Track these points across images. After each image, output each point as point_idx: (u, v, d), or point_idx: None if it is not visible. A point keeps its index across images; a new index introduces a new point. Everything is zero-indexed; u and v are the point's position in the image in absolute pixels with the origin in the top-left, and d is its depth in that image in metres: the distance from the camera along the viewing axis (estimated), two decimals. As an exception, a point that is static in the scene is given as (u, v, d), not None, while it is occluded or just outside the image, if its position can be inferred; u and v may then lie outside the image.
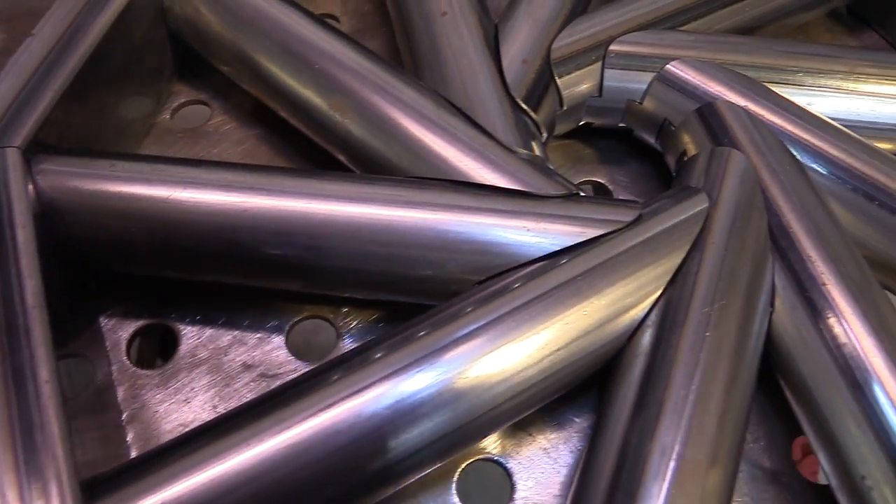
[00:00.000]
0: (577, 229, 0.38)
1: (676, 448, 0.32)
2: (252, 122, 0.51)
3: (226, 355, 0.42)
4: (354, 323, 0.43)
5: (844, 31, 0.59)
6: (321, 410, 0.32)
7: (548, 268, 0.37)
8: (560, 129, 0.48)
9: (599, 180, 0.50)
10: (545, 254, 0.38)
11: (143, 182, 0.39)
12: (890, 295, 0.40)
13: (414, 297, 0.41)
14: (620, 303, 0.37)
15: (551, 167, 0.43)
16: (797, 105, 0.45)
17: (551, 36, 0.46)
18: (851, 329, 0.36)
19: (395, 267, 0.39)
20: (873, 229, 0.42)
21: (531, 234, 0.38)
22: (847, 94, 0.46)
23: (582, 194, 0.42)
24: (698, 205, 0.40)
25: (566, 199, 0.40)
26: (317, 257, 0.39)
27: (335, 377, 0.33)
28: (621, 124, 0.48)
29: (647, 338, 0.37)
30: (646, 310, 0.37)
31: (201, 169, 0.40)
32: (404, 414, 0.32)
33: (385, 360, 0.34)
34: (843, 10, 0.61)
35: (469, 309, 0.36)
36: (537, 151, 0.43)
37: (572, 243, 0.38)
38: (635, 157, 0.50)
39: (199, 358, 0.42)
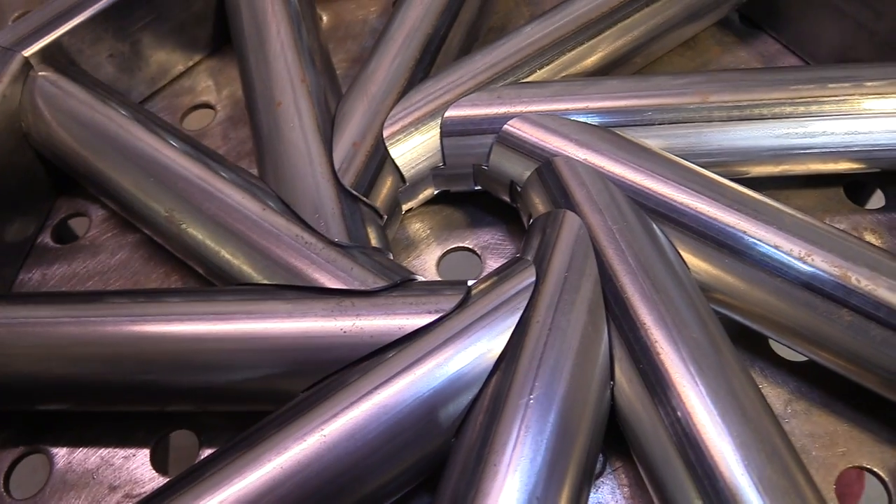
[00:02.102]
0: (397, 324, 0.37)
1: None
2: (128, 229, 0.52)
3: (94, 478, 0.43)
4: (215, 431, 0.43)
5: (736, 41, 0.56)
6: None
7: (363, 371, 0.36)
8: (413, 203, 0.47)
9: (468, 245, 0.48)
10: (365, 354, 0.37)
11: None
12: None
13: (256, 404, 0.40)
14: (439, 400, 0.35)
15: (387, 253, 0.42)
16: (646, 149, 0.42)
17: (386, 111, 0.45)
18: (684, 403, 0.34)
19: (226, 381, 0.39)
20: (728, 276, 0.39)
21: (349, 337, 0.37)
22: (701, 125, 0.43)
23: (419, 278, 0.40)
24: (524, 280, 0.38)
25: (388, 292, 0.38)
26: (144, 379, 0.39)
27: None
28: (477, 187, 0.47)
29: (470, 434, 0.35)
30: (467, 405, 0.35)
31: (30, 306, 0.40)
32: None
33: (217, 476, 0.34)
34: (734, 18, 0.57)
35: (283, 425, 0.35)
36: (373, 237, 0.42)
37: (391, 340, 0.37)
38: (505, 218, 0.49)
39: (70, 482, 0.43)
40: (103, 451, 0.44)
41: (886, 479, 0.38)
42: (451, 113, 0.44)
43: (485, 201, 0.49)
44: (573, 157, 0.42)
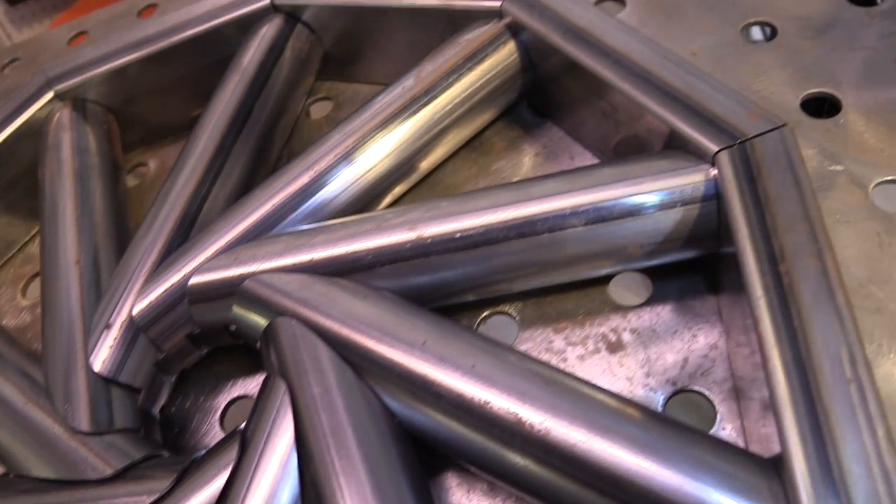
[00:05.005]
0: (116, 514, 0.40)
1: None
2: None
3: None
4: None
5: (521, 134, 0.56)
6: None
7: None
8: (184, 365, 0.49)
9: (251, 394, 0.50)
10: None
11: None
12: None
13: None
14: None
15: (138, 430, 0.45)
16: (367, 298, 0.43)
17: (140, 286, 0.47)
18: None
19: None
20: (429, 420, 0.39)
21: (75, 530, 0.40)
22: (420, 260, 0.44)
23: (164, 454, 0.43)
24: (228, 456, 0.40)
25: (115, 479, 0.41)
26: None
27: None
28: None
29: None
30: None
31: None
32: None
33: None
34: (524, 110, 0.57)
35: None
36: (125, 417, 0.45)
37: (110, 532, 0.39)
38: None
39: None
40: None
41: None
42: (196, 280, 0.47)
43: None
44: (296, 314, 0.43)
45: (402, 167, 0.52)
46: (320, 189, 0.49)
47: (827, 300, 0.35)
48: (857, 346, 0.34)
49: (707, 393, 0.43)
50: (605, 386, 0.44)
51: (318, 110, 0.64)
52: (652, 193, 0.42)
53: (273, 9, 0.59)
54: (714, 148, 0.41)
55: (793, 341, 0.34)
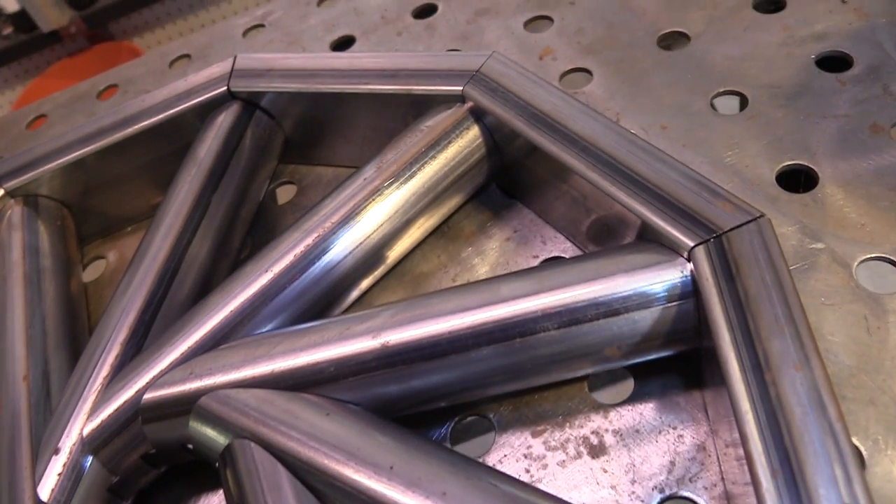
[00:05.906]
0: None
1: None
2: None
3: None
4: None
5: (491, 216, 0.54)
6: None
7: None
8: (141, 484, 0.46)
9: (217, 510, 0.47)
10: None
11: None
12: None
13: None
14: None
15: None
16: (329, 415, 0.41)
17: (91, 405, 0.45)
18: None
19: None
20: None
21: None
22: (385, 371, 0.41)
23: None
24: None
25: None
26: None
27: None
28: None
29: None
30: None
31: None
32: None
33: None
34: (494, 190, 0.55)
35: None
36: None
37: None
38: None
39: None
40: None
41: None
42: (149, 396, 0.44)
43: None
44: (254, 435, 0.41)
45: (367, 262, 0.50)
46: (281, 291, 0.47)
47: (818, 415, 0.33)
48: (853, 464, 0.32)
49: (697, 499, 0.40)
50: (589, 495, 0.41)
51: (282, 195, 0.62)
52: (626, 293, 0.40)
53: (230, 96, 0.58)
54: (689, 243, 0.39)
55: (784, 462, 0.32)
